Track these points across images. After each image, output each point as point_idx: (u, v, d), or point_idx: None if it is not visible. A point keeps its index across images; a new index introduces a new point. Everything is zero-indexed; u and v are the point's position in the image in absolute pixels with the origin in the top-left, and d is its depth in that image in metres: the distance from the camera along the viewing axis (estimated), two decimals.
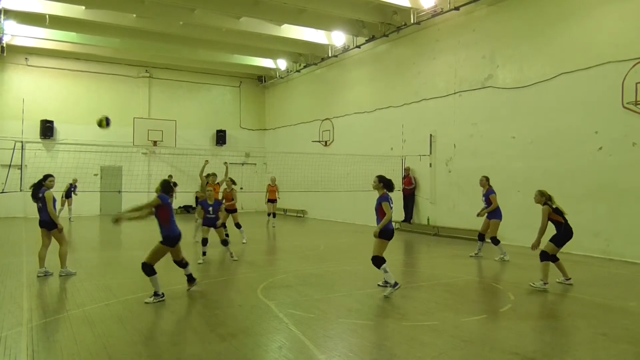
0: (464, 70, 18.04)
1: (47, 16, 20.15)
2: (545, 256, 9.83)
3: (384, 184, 9.45)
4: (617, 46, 13.43)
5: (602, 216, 13.75)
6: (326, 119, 25.96)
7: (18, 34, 23.20)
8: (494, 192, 13.63)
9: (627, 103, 13.04)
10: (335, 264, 12.56)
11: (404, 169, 20.19)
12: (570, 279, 10.04)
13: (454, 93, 18.42)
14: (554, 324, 7.51)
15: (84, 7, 20.01)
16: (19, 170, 15.63)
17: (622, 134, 13.28)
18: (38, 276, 10.81)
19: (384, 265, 9.17)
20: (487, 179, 13.89)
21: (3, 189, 15.61)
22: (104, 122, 12.98)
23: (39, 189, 10.91)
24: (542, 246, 9.98)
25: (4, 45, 23.45)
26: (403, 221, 20.30)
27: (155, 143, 26.76)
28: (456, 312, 8.11)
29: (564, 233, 9.89)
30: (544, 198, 10.25)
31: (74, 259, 12.92)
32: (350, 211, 23.58)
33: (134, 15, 21.07)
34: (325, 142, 25.80)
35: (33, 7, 19.68)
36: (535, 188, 15.14)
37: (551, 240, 9.90)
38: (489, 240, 13.60)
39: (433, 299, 9.10)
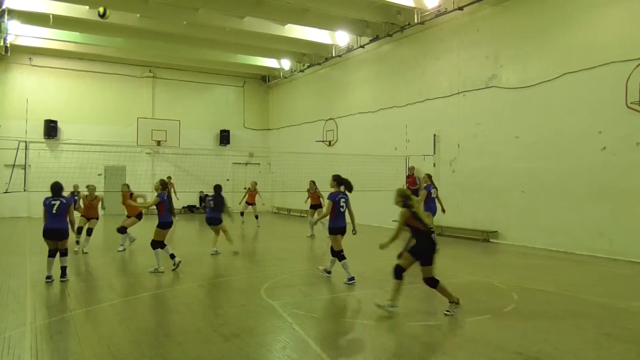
0: (468, 70, 18.01)
1: (51, 16, 20.18)
2: (399, 271, 7.92)
3: (337, 182, 10.50)
4: (621, 46, 13.40)
5: (605, 216, 13.71)
6: (330, 119, 25.95)
7: (22, 34, 23.24)
8: (426, 190, 15.36)
9: (631, 103, 13.01)
10: (338, 264, 12.52)
11: (408, 169, 20.15)
12: (459, 304, 7.93)
13: (458, 93, 18.39)
14: (558, 323, 7.49)
15: (87, 7, 20.04)
16: (23, 170, 15.66)
17: (626, 133, 13.25)
18: (211, 254, 13.49)
19: (343, 261, 10.27)
20: (430, 176, 15.97)
21: (7, 189, 15.63)
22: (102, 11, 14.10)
23: (220, 192, 13.81)
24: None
25: (8, 45, 23.48)
26: None
27: (159, 143, 26.81)
28: (460, 312, 8.10)
29: (425, 244, 7.98)
30: (403, 199, 8.26)
31: (77, 259, 12.95)
32: (353, 211, 23.50)
33: (138, 15, 21.09)
34: (329, 142, 25.80)
35: (37, 7, 19.72)
36: (539, 188, 15.30)
37: (415, 257, 7.96)
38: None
39: (437, 298, 9.08)
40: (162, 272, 11.18)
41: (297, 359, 6.13)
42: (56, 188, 10.32)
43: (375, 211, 21.86)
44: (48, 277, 10.19)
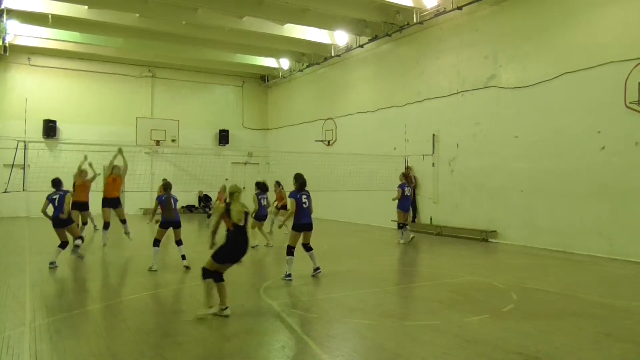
0: (467, 70, 18.01)
1: (50, 16, 20.13)
2: (206, 273, 7.77)
3: (297, 181, 10.88)
4: (620, 46, 13.40)
5: (605, 216, 13.72)
6: (329, 119, 25.94)
7: (21, 34, 23.18)
8: (400, 188, 16.19)
9: (630, 103, 13.01)
10: (338, 264, 12.54)
11: (405, 169, 20.11)
12: (226, 308, 7.74)
13: (457, 93, 18.39)
14: (557, 323, 7.50)
15: (86, 7, 19.98)
16: (22, 170, 15.64)
17: (625, 133, 13.25)
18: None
19: (289, 257, 10.59)
20: (405, 175, 17.06)
21: (6, 189, 15.61)
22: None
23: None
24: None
25: (7, 45, 23.42)
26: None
27: (158, 143, 26.77)
28: (459, 311, 8.11)
29: (228, 244, 7.86)
30: (229, 194, 8.29)
31: (77, 260, 12.93)
32: (352, 211, 23.58)
33: (137, 15, 21.04)
34: (328, 141, 25.79)
35: (36, 6, 19.67)
36: (539, 187, 15.32)
37: (212, 254, 7.86)
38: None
39: (436, 298, 9.10)
40: (155, 270, 11.22)
41: (296, 358, 6.12)
42: (56, 182, 11.98)
43: (374, 211, 21.90)
44: (52, 263, 11.60)
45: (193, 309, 8.31)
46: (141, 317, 7.82)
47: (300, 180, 10.88)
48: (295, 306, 8.40)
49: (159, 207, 11.69)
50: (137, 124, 26.36)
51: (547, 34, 15.31)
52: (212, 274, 7.71)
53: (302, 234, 10.80)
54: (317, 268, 10.92)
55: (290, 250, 10.62)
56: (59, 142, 25.89)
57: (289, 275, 10.50)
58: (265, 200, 15.52)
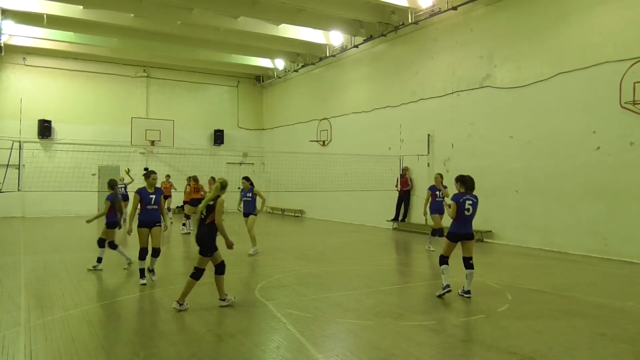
0: (462, 70, 18.04)
1: (45, 16, 20.10)
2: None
3: (461, 182, 9.31)
4: (615, 46, 13.44)
5: (600, 216, 13.76)
6: (324, 119, 25.95)
7: (16, 34, 23.16)
8: (431, 190, 14.63)
9: (625, 103, 13.05)
10: (333, 264, 12.55)
11: (402, 169, 20.13)
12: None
13: (452, 93, 18.41)
14: (552, 323, 7.51)
15: (81, 7, 19.96)
16: (17, 170, 15.60)
17: (620, 133, 13.29)
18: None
19: (443, 266, 9.32)
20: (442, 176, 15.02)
21: (1, 189, 15.56)
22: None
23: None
24: None
25: (2, 45, 23.41)
26: (394, 220, 20.35)
27: (153, 143, 26.75)
28: (454, 311, 8.12)
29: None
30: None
31: (72, 259, 12.90)
32: (348, 211, 23.58)
33: (132, 15, 21.03)
34: (323, 141, 25.80)
35: (31, 6, 19.64)
36: (534, 188, 15.36)
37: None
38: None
39: (431, 298, 9.10)
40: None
41: (291, 358, 6.12)
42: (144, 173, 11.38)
43: (369, 211, 21.91)
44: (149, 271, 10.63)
45: (186, 309, 8.31)
46: (136, 317, 7.82)
47: (467, 182, 9.27)
48: (290, 306, 8.39)
49: None
50: (132, 124, 26.39)
51: (542, 33, 15.35)
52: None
53: (458, 244, 9.42)
54: (468, 291, 9.19)
55: (443, 259, 9.40)
56: (54, 142, 25.88)
57: (447, 287, 9.10)
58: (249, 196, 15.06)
